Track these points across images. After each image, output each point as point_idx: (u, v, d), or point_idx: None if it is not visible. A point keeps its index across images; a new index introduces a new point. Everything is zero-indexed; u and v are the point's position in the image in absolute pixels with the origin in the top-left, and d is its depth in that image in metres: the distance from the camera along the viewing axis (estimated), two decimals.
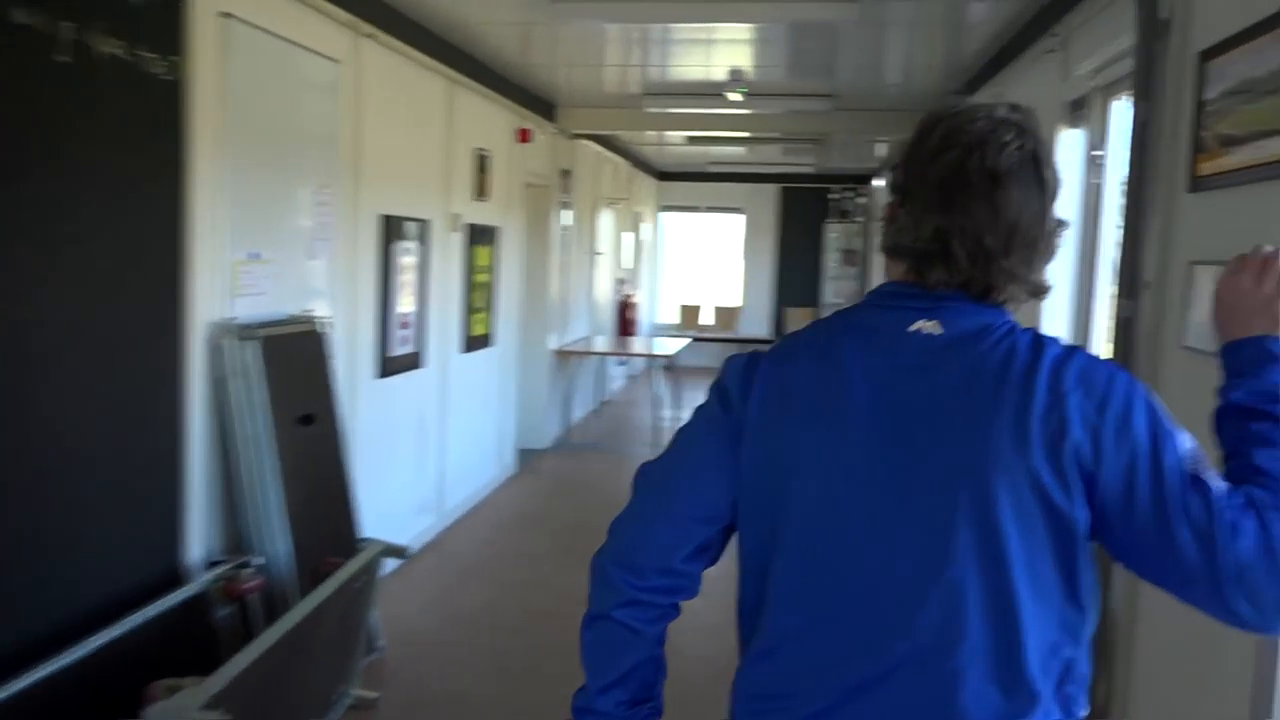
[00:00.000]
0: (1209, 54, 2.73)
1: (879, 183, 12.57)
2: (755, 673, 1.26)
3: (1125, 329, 3.04)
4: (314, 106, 4.20)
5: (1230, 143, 2.56)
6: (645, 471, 1.36)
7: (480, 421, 6.83)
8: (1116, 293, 3.09)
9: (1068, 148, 4.18)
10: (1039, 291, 1.24)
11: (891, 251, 1.27)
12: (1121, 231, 3.08)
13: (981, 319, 1.21)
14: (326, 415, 4.01)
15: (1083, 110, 3.91)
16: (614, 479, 7.77)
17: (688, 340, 11.00)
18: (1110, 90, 3.63)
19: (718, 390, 1.29)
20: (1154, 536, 1.13)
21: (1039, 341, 1.20)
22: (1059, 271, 4.23)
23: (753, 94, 7.10)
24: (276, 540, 3.51)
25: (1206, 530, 1.11)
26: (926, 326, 1.20)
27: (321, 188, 4.25)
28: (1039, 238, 1.20)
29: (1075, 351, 1.20)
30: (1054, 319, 4.24)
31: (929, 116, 1.24)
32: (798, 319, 14.26)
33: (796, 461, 1.21)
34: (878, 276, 9.07)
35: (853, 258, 14.01)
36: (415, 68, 5.35)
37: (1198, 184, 2.77)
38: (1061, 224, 1.24)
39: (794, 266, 14.32)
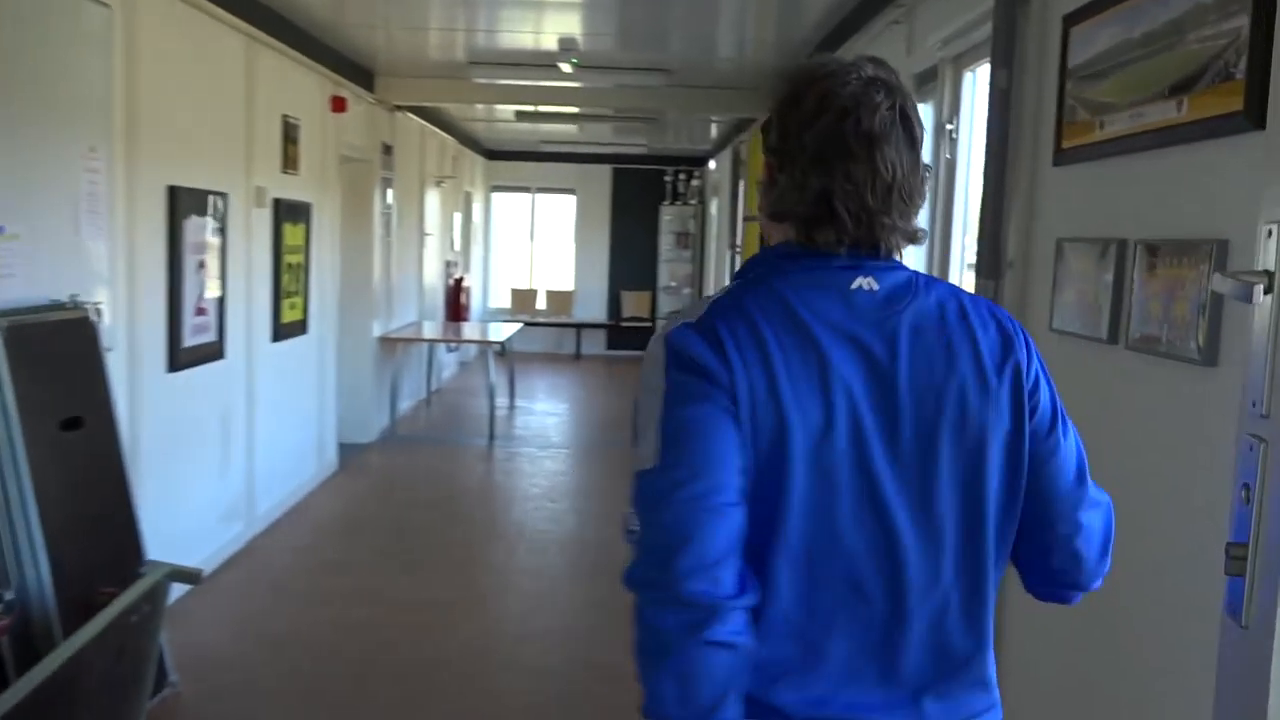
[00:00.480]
0: (1073, 18, 2.57)
1: (713, 165, 12.48)
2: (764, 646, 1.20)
3: None
4: (78, 57, 3.59)
5: (1103, 111, 2.39)
6: (661, 476, 1.18)
7: (295, 416, 6.26)
8: (976, 273, 2.92)
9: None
10: (915, 238, 1.28)
11: (776, 215, 1.28)
12: (981, 208, 2.92)
13: (900, 273, 1.26)
14: (98, 417, 3.43)
15: (932, 83, 3.76)
16: (445, 472, 7.32)
17: (520, 325, 10.59)
18: (961, 61, 3.48)
19: (689, 366, 1.19)
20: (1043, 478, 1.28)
21: (950, 287, 1.32)
22: (911, 252, 4.08)
23: (585, 66, 6.76)
24: (32, 569, 2.95)
25: (1083, 466, 1.30)
26: (865, 283, 1.23)
27: (90, 152, 3.65)
28: (914, 190, 1.24)
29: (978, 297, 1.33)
30: None
31: (800, 76, 1.25)
32: (633, 303, 14.06)
33: (793, 425, 1.17)
34: (714, 259, 8.97)
35: (687, 240, 13.90)
36: (207, 21, 4.75)
37: (1063, 157, 2.61)
38: (927, 169, 1.30)
39: (628, 249, 14.10)
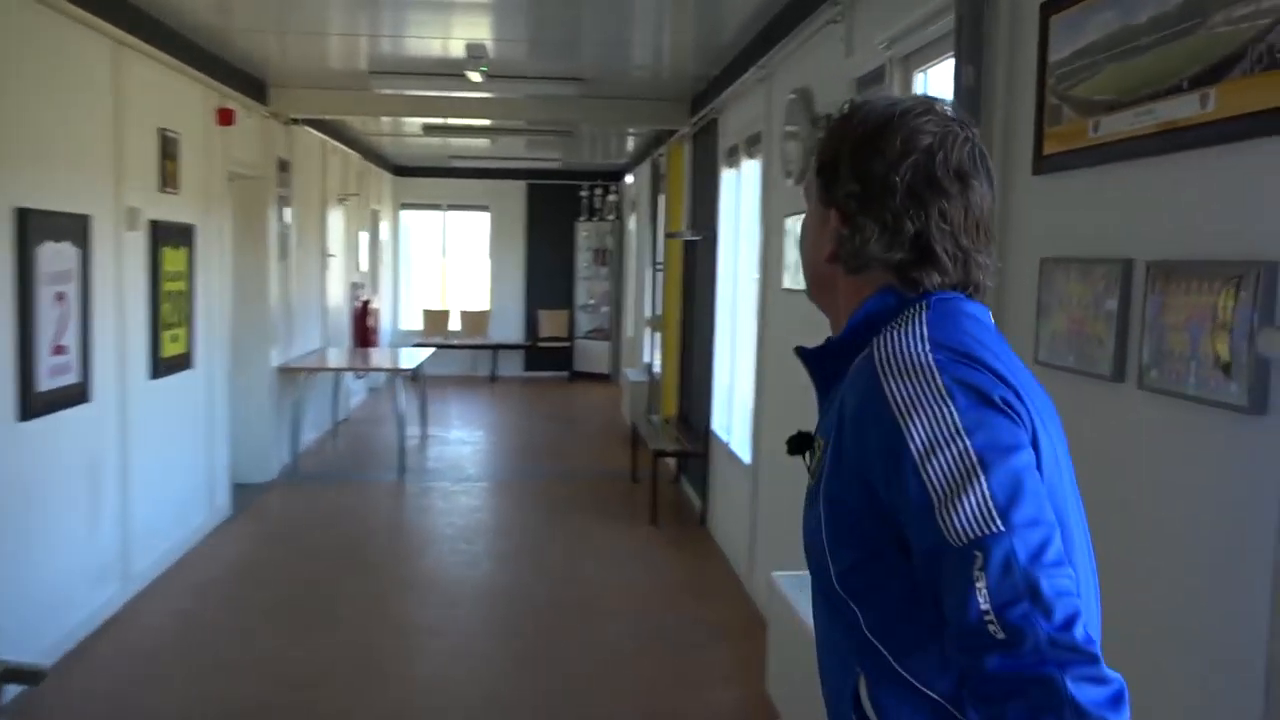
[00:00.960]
0: (1052, 6, 2.24)
1: (630, 179, 12.13)
2: None
3: None
4: None
5: (1097, 110, 2.06)
6: (1022, 540, 0.98)
7: (180, 459, 5.67)
8: None
9: None
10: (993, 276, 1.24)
11: (858, 266, 1.20)
12: None
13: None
14: None
15: (878, 85, 3.43)
16: (351, 513, 6.77)
17: (433, 349, 10.06)
18: (911, 61, 3.15)
19: (997, 406, 1.07)
20: None
21: None
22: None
23: (496, 75, 6.33)
24: None
25: None
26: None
27: None
28: (994, 226, 1.22)
29: None
30: None
31: (869, 118, 1.19)
32: (551, 322, 13.62)
33: (1052, 468, 1.11)
34: (631, 276, 8.61)
35: (604, 257, 13.52)
36: (65, 22, 4.20)
37: (1046, 164, 2.27)
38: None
39: (545, 267, 13.66)
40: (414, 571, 5.60)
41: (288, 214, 7.63)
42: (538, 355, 13.64)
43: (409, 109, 7.70)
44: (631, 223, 12.19)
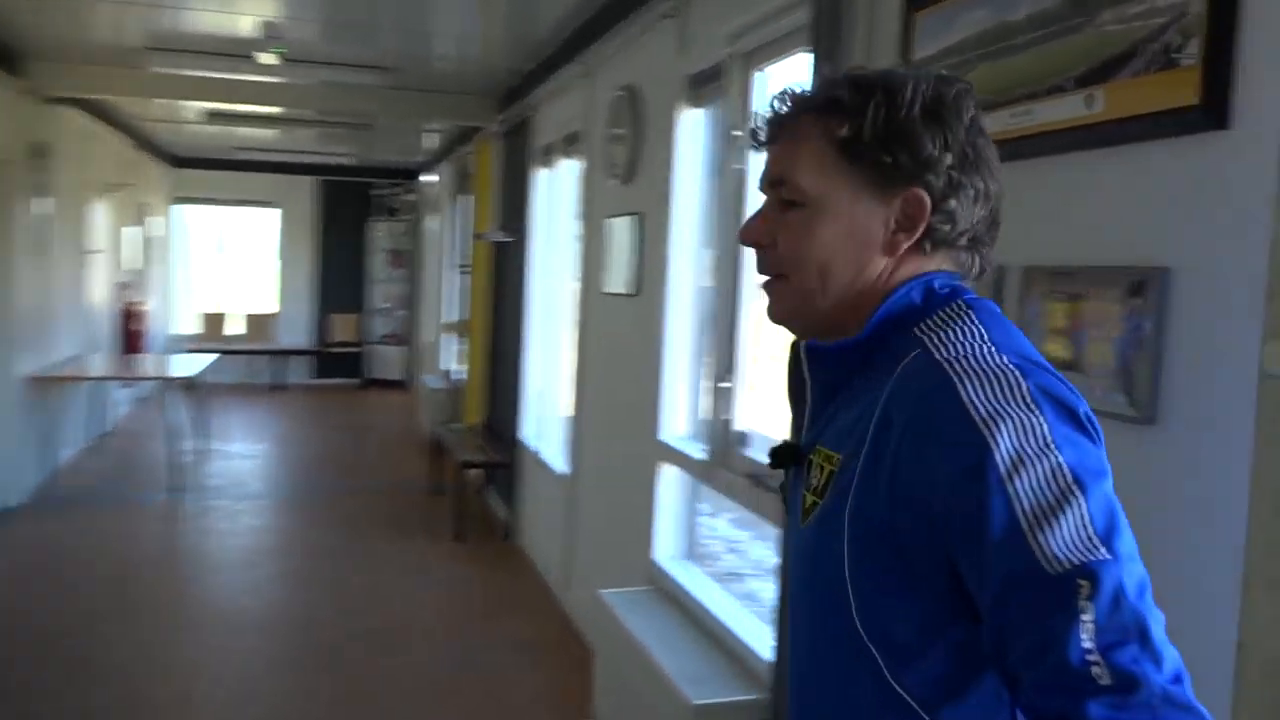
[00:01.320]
0: (919, 2, 2.16)
1: (430, 178, 11.68)
2: None
3: None
4: None
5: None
6: (1128, 571, 0.84)
7: None
8: None
9: (691, 130, 3.58)
10: None
11: (948, 242, 1.05)
12: None
13: None
14: None
15: (713, 83, 3.31)
16: (119, 539, 6.06)
17: (214, 356, 9.28)
18: (754, 58, 3.04)
19: (1084, 428, 0.92)
20: None
21: None
22: (685, 277, 3.61)
23: (291, 59, 5.86)
24: None
25: None
26: None
27: None
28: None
29: None
30: (681, 326, 3.63)
31: (922, 84, 1.03)
32: (343, 326, 12.96)
33: None
34: (433, 280, 8.23)
35: (401, 259, 12.98)
36: None
37: None
38: None
39: (337, 268, 12.96)
40: (192, 604, 5.03)
41: (45, 204, 6.80)
42: (328, 361, 12.92)
43: (190, 92, 7.03)
44: (431, 223, 11.75)
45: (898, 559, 0.92)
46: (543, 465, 5.46)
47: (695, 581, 3.39)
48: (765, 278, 1.09)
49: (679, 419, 3.64)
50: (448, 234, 10.02)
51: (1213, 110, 1.46)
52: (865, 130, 1.01)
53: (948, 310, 1.01)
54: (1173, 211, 1.57)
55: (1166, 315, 1.56)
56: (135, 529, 6.34)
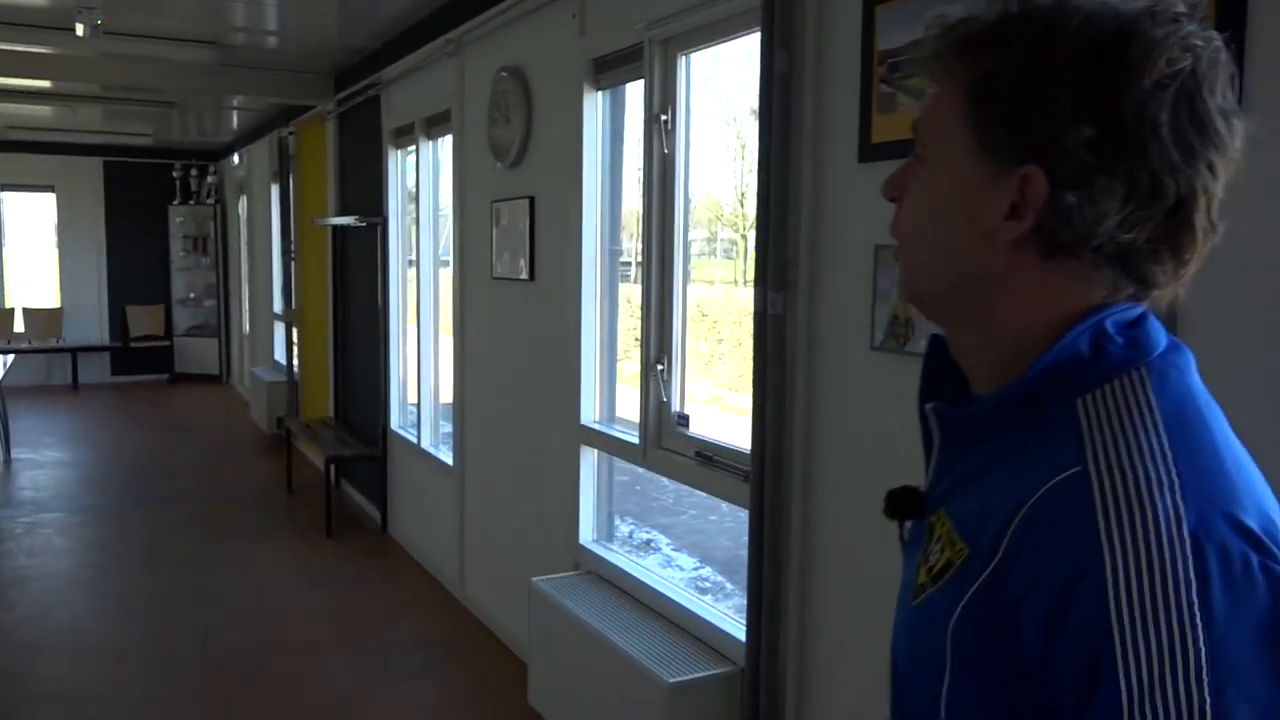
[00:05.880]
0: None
1: (237, 159, 11.01)
2: None
3: (773, 327, 2.49)
4: None
5: None
6: None
7: None
8: (759, 285, 2.52)
9: (591, 116, 3.56)
10: None
11: (1076, 248, 0.80)
12: (759, 212, 2.52)
13: None
14: None
15: (624, 67, 3.31)
16: None
17: (9, 357, 8.44)
18: (681, 42, 3.06)
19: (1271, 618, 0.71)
20: None
21: None
22: (592, 260, 3.61)
23: (113, 32, 5.38)
24: None
25: None
26: None
27: None
28: None
29: None
30: (592, 313, 3.63)
31: (1094, 19, 0.76)
32: (144, 319, 12.07)
33: None
34: (245, 266, 7.80)
35: (204, 245, 12.19)
36: None
37: (874, 152, 2.29)
38: None
39: (132, 257, 12.01)
40: (47, 634, 4.60)
41: None
42: (129, 357, 11.99)
43: None
44: (241, 207, 11.08)
45: (992, 691, 0.76)
46: (423, 456, 5.33)
47: (627, 563, 3.42)
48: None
49: (597, 403, 3.65)
50: (265, 218, 9.50)
51: None
52: (1001, 75, 0.78)
53: (1124, 385, 0.77)
54: None
55: None
56: None
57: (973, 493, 0.83)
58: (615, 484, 3.83)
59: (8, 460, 7.60)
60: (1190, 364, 0.81)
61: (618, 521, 6.54)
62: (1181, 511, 0.70)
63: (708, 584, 5.58)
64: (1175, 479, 0.72)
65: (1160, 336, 0.81)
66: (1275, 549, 0.71)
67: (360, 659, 4.18)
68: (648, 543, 6.20)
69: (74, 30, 5.21)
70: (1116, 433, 0.74)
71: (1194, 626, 0.68)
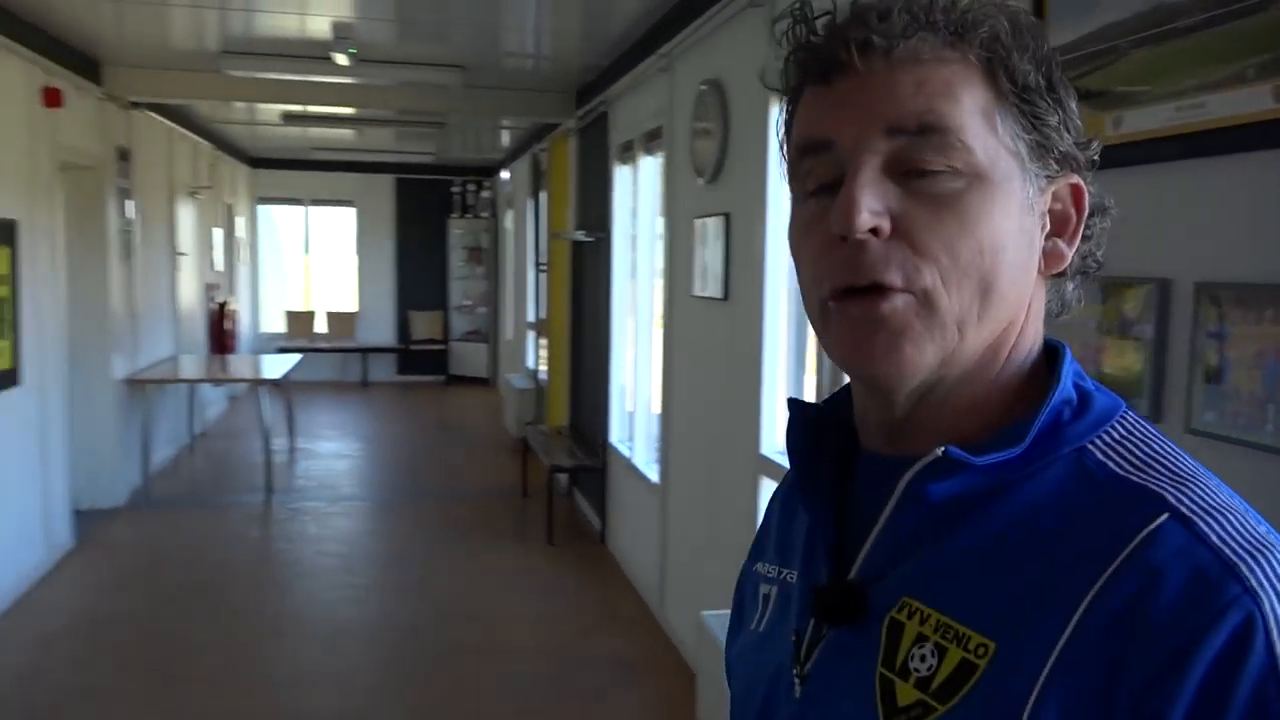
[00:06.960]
0: None
1: (506, 175, 11.62)
2: None
3: None
4: None
5: (1118, 103, 1.76)
6: None
7: (8, 490, 4.95)
8: None
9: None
10: None
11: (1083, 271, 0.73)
12: None
13: None
14: None
15: None
16: (213, 543, 6.11)
17: (299, 355, 9.36)
18: None
19: None
20: None
21: None
22: (780, 282, 3.42)
23: (364, 58, 5.79)
24: None
25: None
26: None
27: None
28: None
29: None
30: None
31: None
32: (424, 324, 13.00)
33: None
34: (511, 277, 8.11)
35: (479, 255, 12.97)
36: None
37: None
38: None
39: (416, 266, 13.00)
40: (288, 612, 5.01)
41: (130, 208, 6.88)
42: (412, 359, 12.99)
43: (265, 95, 7.03)
44: (508, 220, 11.68)
45: None
46: (634, 472, 5.32)
47: None
48: (848, 289, 0.65)
49: (779, 433, 3.45)
50: (524, 232, 9.94)
51: None
52: (1037, 74, 0.66)
53: (1126, 428, 0.67)
54: None
55: None
56: (230, 531, 6.39)
57: (958, 571, 0.65)
58: None
59: (292, 450, 8.38)
60: None
61: None
62: (1273, 537, 0.62)
63: None
64: (1247, 506, 0.64)
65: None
66: None
67: (549, 674, 4.21)
68: None
69: (335, 59, 5.68)
70: (1170, 473, 0.64)
71: None
